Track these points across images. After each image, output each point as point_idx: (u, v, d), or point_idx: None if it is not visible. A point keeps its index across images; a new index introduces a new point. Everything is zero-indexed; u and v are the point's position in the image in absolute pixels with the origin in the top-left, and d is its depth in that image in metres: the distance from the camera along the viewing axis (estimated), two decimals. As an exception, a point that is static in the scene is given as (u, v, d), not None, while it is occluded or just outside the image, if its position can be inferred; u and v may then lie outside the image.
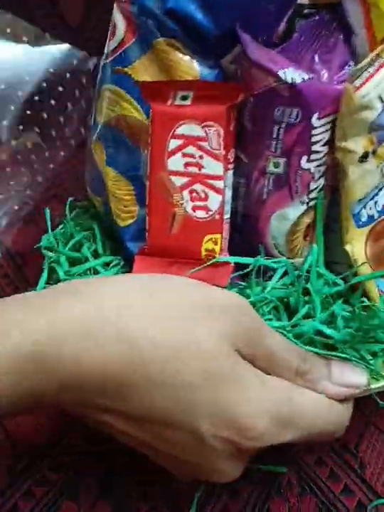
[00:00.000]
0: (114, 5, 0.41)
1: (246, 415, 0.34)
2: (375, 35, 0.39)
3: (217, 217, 0.40)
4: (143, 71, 0.41)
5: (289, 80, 0.37)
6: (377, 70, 0.38)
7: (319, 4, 0.40)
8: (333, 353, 0.39)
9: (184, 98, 0.39)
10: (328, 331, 0.39)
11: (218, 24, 0.38)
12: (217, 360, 0.34)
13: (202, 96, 0.39)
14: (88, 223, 0.47)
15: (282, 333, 0.39)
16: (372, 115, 0.38)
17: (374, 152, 0.39)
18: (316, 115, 0.38)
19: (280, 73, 0.37)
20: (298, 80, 0.37)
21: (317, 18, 0.40)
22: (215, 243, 0.41)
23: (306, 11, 0.40)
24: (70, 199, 0.47)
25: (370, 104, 0.37)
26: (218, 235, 0.41)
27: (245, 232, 0.42)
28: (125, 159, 0.43)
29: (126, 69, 0.41)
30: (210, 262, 0.41)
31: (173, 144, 0.39)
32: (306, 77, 0.37)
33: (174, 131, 0.39)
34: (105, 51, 0.43)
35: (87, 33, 0.63)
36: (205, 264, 0.40)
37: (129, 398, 0.33)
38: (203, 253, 0.41)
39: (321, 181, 0.41)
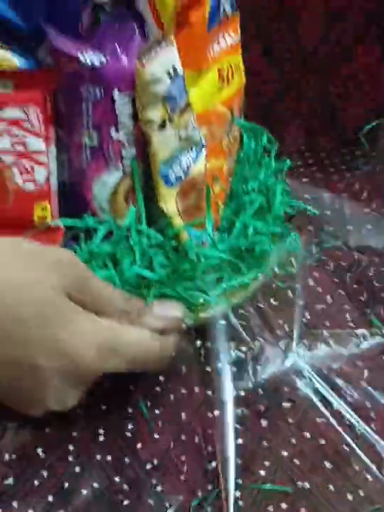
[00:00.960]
0: None
1: (76, 347, 0.41)
2: (162, 21, 0.46)
3: (45, 187, 0.47)
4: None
5: (89, 63, 0.44)
6: (163, 49, 0.45)
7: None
8: (153, 292, 0.46)
9: (5, 86, 0.45)
10: (147, 274, 0.46)
11: (27, 21, 0.45)
12: (50, 305, 0.40)
13: (20, 84, 0.45)
14: None
15: (111, 280, 0.46)
16: (162, 88, 0.45)
17: (171, 120, 0.47)
18: (116, 91, 0.45)
19: (80, 57, 0.44)
20: (96, 63, 0.44)
21: (116, 12, 0.47)
22: (45, 210, 0.47)
23: (107, 7, 0.47)
24: None
25: (159, 79, 0.45)
26: (47, 203, 0.47)
27: (73, 199, 0.49)
28: None
29: None
30: (43, 226, 0.47)
31: (0, 127, 0.46)
32: (103, 60, 0.44)
33: (-1, 115, 0.46)
34: None
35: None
36: (39, 228, 0.47)
37: None
38: (36, 220, 0.47)
39: (133, 150, 0.48)
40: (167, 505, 0.42)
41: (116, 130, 0.46)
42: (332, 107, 0.76)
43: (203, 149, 0.49)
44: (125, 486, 0.43)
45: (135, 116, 0.47)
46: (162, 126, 0.46)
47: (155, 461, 0.44)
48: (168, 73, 0.45)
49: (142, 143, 0.48)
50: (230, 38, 0.52)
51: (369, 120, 0.71)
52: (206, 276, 0.48)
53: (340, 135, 0.77)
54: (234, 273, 0.50)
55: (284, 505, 0.43)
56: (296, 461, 0.45)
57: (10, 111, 0.45)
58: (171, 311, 0.45)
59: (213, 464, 0.44)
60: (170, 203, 0.49)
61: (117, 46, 0.46)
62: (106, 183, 0.48)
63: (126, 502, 0.42)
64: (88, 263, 0.47)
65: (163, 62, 0.45)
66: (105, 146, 0.47)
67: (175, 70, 0.46)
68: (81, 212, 0.49)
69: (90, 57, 0.44)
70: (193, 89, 0.49)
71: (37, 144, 0.46)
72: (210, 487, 0.43)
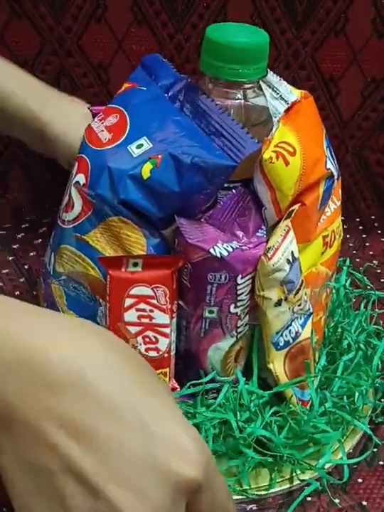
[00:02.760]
0: (73, 186, 0.51)
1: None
2: (280, 208, 0.50)
3: (165, 355, 0.51)
4: (97, 238, 0.51)
5: (219, 255, 0.48)
6: (283, 239, 0.49)
7: (236, 180, 0.51)
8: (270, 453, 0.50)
9: (135, 265, 0.49)
10: (270, 435, 0.51)
11: (161, 210, 0.48)
12: None
13: (150, 263, 0.49)
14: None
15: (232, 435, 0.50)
16: (283, 274, 0.49)
17: (286, 299, 0.50)
18: (240, 276, 0.49)
19: (211, 251, 0.47)
20: (225, 253, 0.48)
21: (235, 191, 0.50)
22: (165, 375, 0.51)
23: (226, 185, 0.50)
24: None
25: (280, 268, 0.48)
26: (167, 369, 0.51)
27: (188, 360, 0.53)
28: (85, 306, 0.53)
29: (84, 237, 0.51)
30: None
31: (128, 302, 0.49)
32: (230, 249, 0.48)
33: (128, 292, 0.49)
34: (60, 216, 0.53)
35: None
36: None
37: None
38: (156, 383, 0.51)
39: (246, 319, 0.51)
40: None
41: (236, 306, 0.50)
42: (370, 173, 0.79)
43: (311, 316, 0.53)
44: None
45: (252, 290, 0.51)
46: (278, 304, 0.50)
47: None
48: (288, 261, 0.49)
49: (254, 309, 0.52)
50: (333, 204, 0.55)
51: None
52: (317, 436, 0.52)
53: (380, 202, 0.81)
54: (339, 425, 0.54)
55: None
56: None
57: (139, 288, 0.49)
58: None
59: None
60: (278, 364, 0.53)
61: (237, 226, 0.50)
62: (221, 348, 0.52)
63: None
64: (202, 425, 0.51)
65: (284, 251, 0.48)
66: (224, 319, 0.50)
67: (293, 255, 0.49)
68: (194, 371, 0.53)
69: (219, 250, 0.48)
70: (300, 255, 0.53)
71: (163, 318, 0.50)
72: None
